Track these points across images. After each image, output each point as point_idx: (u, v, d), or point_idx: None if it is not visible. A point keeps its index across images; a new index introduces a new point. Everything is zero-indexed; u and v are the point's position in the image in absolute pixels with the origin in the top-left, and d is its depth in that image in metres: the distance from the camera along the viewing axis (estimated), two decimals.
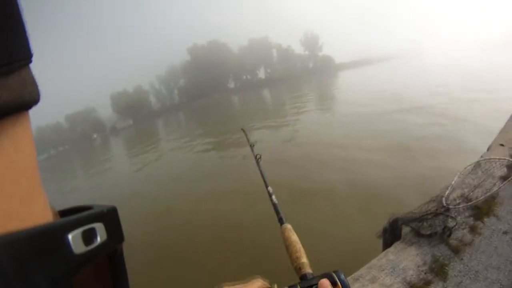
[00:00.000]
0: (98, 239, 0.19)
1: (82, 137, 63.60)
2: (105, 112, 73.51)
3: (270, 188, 1.22)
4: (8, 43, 0.15)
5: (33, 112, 0.19)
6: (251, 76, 79.79)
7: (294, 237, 0.88)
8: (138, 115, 67.20)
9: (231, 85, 79.32)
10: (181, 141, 17.29)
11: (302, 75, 72.09)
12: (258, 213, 4.71)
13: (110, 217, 0.21)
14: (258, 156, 1.55)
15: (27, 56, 0.17)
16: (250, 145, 1.76)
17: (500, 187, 2.94)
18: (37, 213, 0.18)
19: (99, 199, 9.54)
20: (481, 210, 2.98)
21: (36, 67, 0.18)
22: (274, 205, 1.09)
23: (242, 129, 2.22)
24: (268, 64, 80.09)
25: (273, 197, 1.14)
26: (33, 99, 0.17)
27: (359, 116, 11.61)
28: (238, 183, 7.37)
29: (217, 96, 61.54)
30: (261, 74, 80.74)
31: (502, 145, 4.18)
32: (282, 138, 11.27)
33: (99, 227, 0.19)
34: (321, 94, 26.69)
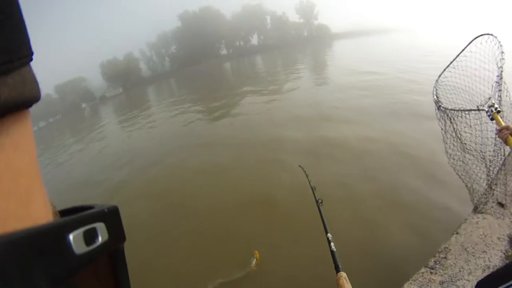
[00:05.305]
0: (100, 239, 0.19)
1: (72, 107, 61.95)
2: (95, 81, 71.44)
3: (329, 235, 1.23)
4: (8, 41, 0.15)
5: None
6: (244, 42, 77.49)
7: (348, 285, 0.92)
8: (127, 82, 65.40)
9: (224, 51, 77.16)
10: (171, 107, 17.08)
11: (296, 43, 70.17)
12: (240, 163, 6.16)
13: (111, 216, 0.21)
14: (320, 201, 1.54)
15: (28, 54, 0.17)
16: (312, 188, 1.77)
17: None
18: (37, 212, 0.18)
19: (92, 169, 9.61)
20: None
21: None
22: (332, 252, 1.12)
23: (300, 167, 2.18)
24: (261, 31, 77.65)
25: (332, 244, 1.16)
26: (33, 97, 0.17)
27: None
28: (226, 140, 7.97)
29: (209, 63, 59.97)
30: (254, 40, 78.41)
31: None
32: (269, 103, 11.62)
33: (100, 227, 0.19)
34: (314, 64, 26.38)
